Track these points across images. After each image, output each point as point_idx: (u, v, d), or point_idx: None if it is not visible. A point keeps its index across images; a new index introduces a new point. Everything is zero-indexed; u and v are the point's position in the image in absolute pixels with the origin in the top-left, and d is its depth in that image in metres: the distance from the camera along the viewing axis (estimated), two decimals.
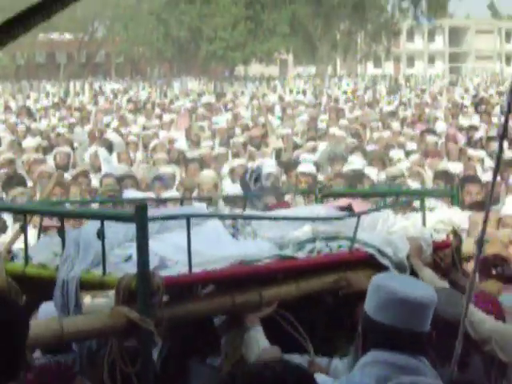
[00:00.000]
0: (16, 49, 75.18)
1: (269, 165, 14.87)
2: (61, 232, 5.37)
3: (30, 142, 20.75)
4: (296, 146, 19.34)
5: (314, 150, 18.42)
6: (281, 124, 24.24)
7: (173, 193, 13.45)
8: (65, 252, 5.23)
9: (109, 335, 4.83)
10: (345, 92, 44.68)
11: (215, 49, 72.85)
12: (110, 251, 5.08)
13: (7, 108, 33.80)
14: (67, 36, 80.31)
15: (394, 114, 27.04)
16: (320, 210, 7.19)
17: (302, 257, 5.63)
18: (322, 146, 18.70)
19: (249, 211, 8.52)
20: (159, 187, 13.56)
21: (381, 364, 3.92)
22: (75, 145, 20.34)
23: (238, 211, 7.97)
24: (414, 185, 13.02)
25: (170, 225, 5.76)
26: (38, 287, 5.38)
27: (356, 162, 15.22)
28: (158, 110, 30.55)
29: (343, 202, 7.22)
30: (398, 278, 4.40)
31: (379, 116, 26.65)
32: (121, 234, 5.42)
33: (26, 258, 5.37)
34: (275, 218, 6.52)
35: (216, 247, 5.53)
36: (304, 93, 43.27)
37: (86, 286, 4.97)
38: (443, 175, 13.50)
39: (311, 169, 14.10)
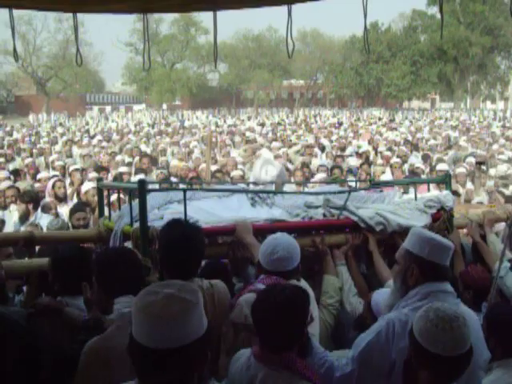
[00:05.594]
0: (269, 89, 75.92)
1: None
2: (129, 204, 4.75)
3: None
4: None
5: (446, 154, 16.51)
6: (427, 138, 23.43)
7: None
8: (120, 212, 5.00)
9: None
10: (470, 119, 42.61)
11: (391, 91, 71.40)
12: (151, 211, 4.61)
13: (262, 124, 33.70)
14: (300, 81, 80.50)
15: (502, 134, 25.64)
16: (335, 187, 6.45)
17: (292, 220, 4.95)
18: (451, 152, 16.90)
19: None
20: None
21: (439, 293, 3.38)
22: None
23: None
24: None
25: (200, 195, 5.29)
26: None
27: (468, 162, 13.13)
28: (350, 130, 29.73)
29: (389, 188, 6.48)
30: (431, 232, 3.67)
31: (491, 134, 25.34)
32: (161, 199, 5.02)
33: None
34: (281, 193, 5.73)
35: (232, 212, 4.95)
36: (446, 119, 41.89)
37: (126, 236, 4.55)
38: None
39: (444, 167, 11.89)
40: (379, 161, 14.14)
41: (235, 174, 11.23)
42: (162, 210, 4.79)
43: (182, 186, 8.25)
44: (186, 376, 2.24)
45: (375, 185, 6.64)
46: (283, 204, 5.27)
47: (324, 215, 5.11)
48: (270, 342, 2.96)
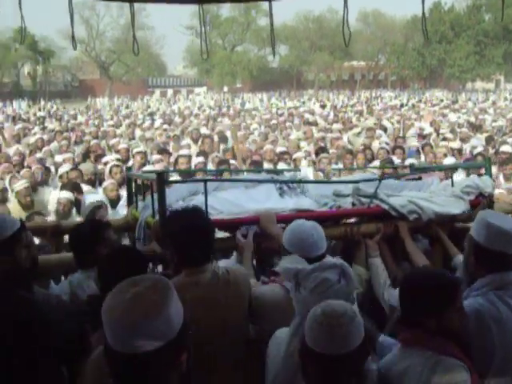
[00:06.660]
0: (330, 71, 75.40)
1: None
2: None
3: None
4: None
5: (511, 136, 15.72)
6: (492, 120, 22.86)
7: None
8: (145, 202, 4.96)
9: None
10: None
11: (454, 72, 69.85)
12: (175, 202, 4.55)
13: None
14: (361, 63, 79.63)
15: None
16: (367, 175, 6.32)
17: (318, 210, 4.78)
18: None
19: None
20: None
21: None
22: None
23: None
24: None
25: (226, 185, 5.11)
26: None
27: None
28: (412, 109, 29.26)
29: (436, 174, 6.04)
30: (497, 216, 3.50)
31: None
32: (186, 190, 4.93)
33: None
34: (302, 181, 5.36)
35: (259, 202, 4.77)
36: (510, 100, 40.75)
37: (149, 225, 4.54)
38: None
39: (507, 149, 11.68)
40: (442, 143, 13.88)
41: (298, 155, 11.48)
42: (187, 202, 4.63)
43: (209, 176, 7.97)
44: (158, 381, 2.12)
45: (415, 170, 6.28)
46: (313, 193, 5.06)
47: (353, 204, 4.91)
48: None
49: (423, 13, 3.82)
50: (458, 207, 4.95)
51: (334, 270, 2.97)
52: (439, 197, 5.03)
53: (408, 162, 9.36)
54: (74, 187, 8.66)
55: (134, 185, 5.64)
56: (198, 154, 11.57)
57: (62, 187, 8.82)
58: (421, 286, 2.89)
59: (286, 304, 3.21)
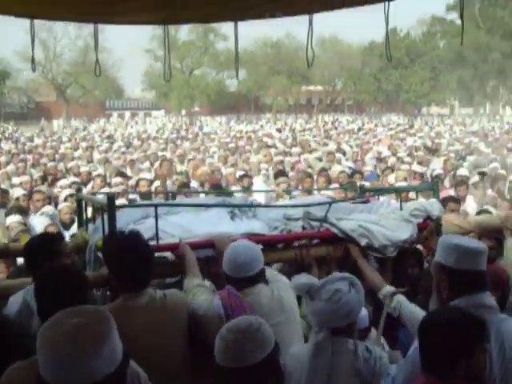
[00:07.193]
0: (288, 95, 75.89)
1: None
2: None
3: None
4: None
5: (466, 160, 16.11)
6: (448, 143, 23.23)
7: None
8: (95, 225, 4.80)
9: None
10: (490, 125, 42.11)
11: (409, 97, 71.06)
12: (125, 226, 4.41)
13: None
14: (319, 87, 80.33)
15: None
16: (318, 198, 6.59)
17: (270, 234, 4.79)
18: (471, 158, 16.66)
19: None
20: None
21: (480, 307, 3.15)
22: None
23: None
24: None
25: (177, 209, 5.06)
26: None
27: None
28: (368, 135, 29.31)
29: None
30: (458, 237, 3.50)
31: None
32: (138, 213, 4.84)
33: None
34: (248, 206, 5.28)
35: (210, 226, 4.72)
36: (464, 125, 41.55)
37: (99, 248, 4.33)
38: None
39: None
40: (403, 166, 13.99)
41: (258, 178, 11.59)
42: (138, 225, 4.61)
43: (159, 199, 8.02)
44: None
45: (365, 191, 6.50)
46: (264, 217, 5.10)
47: (304, 227, 4.96)
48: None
49: (387, 33, 3.91)
50: (406, 231, 5.00)
51: (343, 281, 3.27)
52: (388, 220, 5.08)
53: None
54: (21, 210, 8.57)
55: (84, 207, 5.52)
56: (157, 177, 11.55)
57: (9, 212, 8.72)
58: (448, 327, 2.81)
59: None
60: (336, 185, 10.68)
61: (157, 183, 10.96)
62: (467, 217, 6.41)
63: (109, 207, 4.32)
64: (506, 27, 68.10)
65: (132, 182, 11.70)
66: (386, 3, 4.01)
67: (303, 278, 3.45)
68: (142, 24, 5.43)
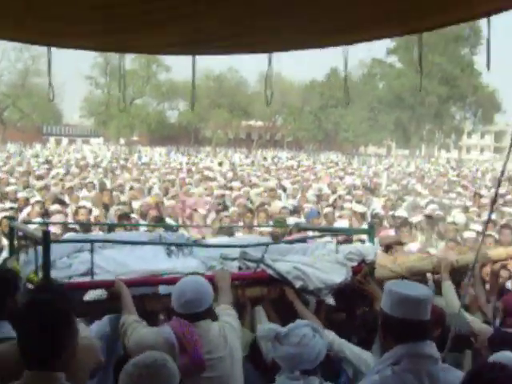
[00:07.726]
0: (228, 129, 76.34)
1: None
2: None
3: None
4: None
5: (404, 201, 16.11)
6: (386, 184, 23.65)
7: None
8: (28, 257, 4.68)
9: None
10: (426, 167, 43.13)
11: (348, 136, 72.70)
12: (60, 258, 4.43)
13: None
14: (259, 123, 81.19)
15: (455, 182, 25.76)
16: (254, 238, 6.61)
17: (207, 273, 4.66)
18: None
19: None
20: None
21: (410, 357, 3.07)
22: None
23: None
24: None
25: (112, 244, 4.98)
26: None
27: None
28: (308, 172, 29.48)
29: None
30: (403, 284, 3.39)
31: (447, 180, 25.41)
32: (72, 246, 4.73)
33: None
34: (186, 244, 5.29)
35: (146, 263, 4.68)
36: (401, 166, 42.40)
37: (31, 281, 4.34)
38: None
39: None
40: (346, 205, 14.02)
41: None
42: (72, 259, 4.57)
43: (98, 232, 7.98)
44: None
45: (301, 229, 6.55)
46: (200, 255, 5.07)
47: (240, 268, 4.98)
48: None
49: (345, 75, 4.02)
50: (341, 274, 5.07)
51: (307, 327, 3.53)
52: (323, 263, 5.14)
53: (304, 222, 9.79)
54: None
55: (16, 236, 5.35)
56: (96, 206, 11.46)
57: None
58: (498, 379, 2.57)
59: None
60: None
61: (96, 212, 10.79)
62: (400, 260, 6.31)
63: (44, 242, 4.21)
64: (444, 73, 70.63)
65: (70, 210, 11.46)
66: (345, 47, 4.11)
67: (268, 325, 3.76)
68: (95, 50, 5.40)
